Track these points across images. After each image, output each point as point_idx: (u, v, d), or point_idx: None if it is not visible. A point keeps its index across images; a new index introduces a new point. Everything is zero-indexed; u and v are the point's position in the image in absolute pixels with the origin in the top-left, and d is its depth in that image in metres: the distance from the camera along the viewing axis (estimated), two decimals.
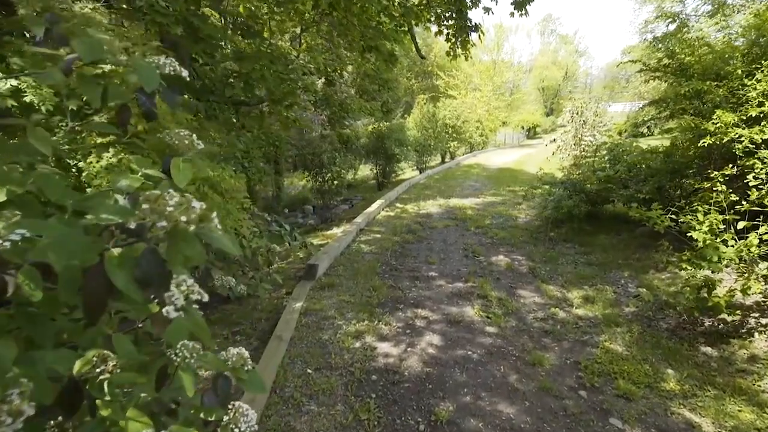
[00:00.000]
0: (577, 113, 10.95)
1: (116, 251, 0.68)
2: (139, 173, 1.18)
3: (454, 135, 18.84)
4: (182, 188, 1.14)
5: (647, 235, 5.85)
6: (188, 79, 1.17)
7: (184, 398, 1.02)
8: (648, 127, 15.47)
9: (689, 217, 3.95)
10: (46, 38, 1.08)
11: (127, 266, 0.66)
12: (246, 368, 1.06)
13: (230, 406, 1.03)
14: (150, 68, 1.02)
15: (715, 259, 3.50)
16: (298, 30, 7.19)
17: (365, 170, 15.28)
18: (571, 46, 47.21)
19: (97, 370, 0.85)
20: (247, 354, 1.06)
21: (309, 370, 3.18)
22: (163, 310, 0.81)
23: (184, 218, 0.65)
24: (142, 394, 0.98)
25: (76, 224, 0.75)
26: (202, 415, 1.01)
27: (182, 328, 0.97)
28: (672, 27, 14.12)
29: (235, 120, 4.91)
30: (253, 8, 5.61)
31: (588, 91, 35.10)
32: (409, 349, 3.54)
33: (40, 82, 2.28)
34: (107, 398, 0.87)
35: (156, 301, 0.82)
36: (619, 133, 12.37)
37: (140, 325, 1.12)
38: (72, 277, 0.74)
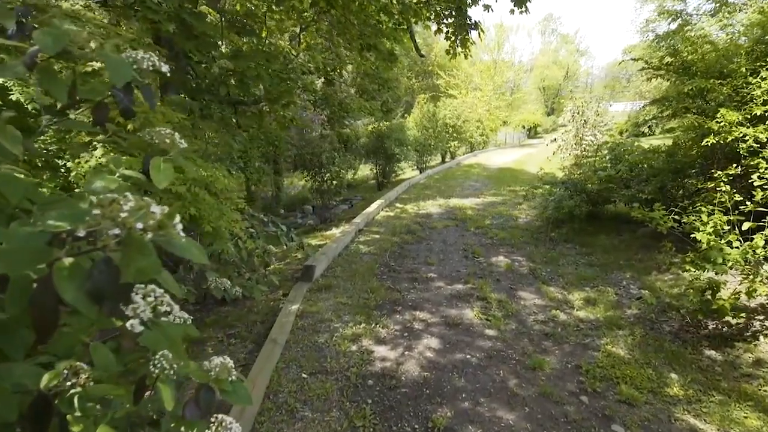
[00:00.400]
0: (578, 113, 10.86)
1: (67, 261, 0.61)
2: (116, 174, 1.12)
3: (455, 134, 18.75)
4: (162, 189, 1.07)
5: (649, 236, 5.78)
6: (169, 75, 1.10)
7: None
8: (649, 127, 15.39)
9: (693, 217, 3.88)
10: (21, 31, 1.02)
11: (78, 278, 0.59)
12: (230, 379, 1.00)
13: (213, 419, 0.97)
14: (120, 62, 0.95)
15: (720, 260, 3.42)
16: (297, 29, 7.11)
17: (365, 170, 15.21)
18: (572, 45, 47.07)
19: (68, 383, 0.79)
20: (231, 364, 1.00)
21: (304, 375, 3.11)
22: (127, 324, 0.75)
23: (140, 225, 0.58)
24: (127, 405, 0.92)
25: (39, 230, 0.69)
26: (183, 429, 0.95)
27: (160, 337, 0.92)
28: (674, 26, 14.03)
29: (234, 120, 4.84)
30: (253, 7, 5.54)
31: (589, 91, 34.97)
32: (406, 352, 3.47)
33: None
34: (77, 414, 0.81)
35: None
36: (620, 133, 12.30)
37: None
38: (22, 288, 0.68)
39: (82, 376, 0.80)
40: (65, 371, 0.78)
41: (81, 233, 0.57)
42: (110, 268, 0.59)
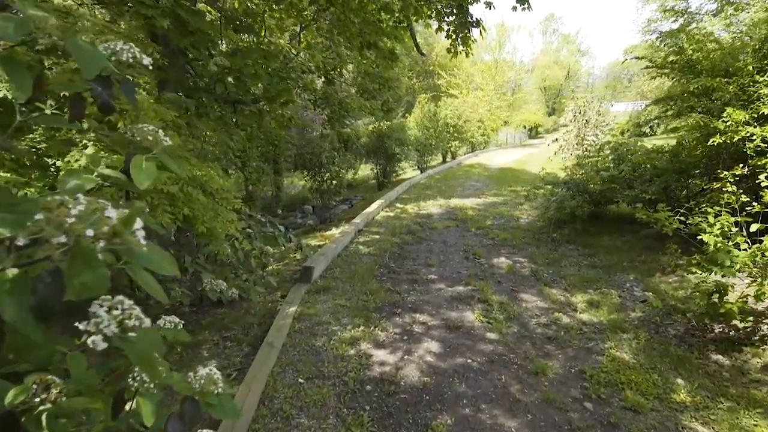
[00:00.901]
0: (580, 112, 10.80)
1: (11, 272, 0.54)
2: (95, 173, 1.05)
3: (456, 134, 18.67)
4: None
5: (653, 237, 5.69)
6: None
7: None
8: (651, 127, 15.30)
9: (699, 218, 3.79)
10: None
11: (22, 292, 0.52)
12: (217, 391, 0.93)
13: None
14: (92, 51, 0.87)
15: (727, 263, 3.34)
16: (297, 28, 7.04)
17: (365, 170, 15.13)
18: (573, 45, 46.91)
19: (37, 399, 0.71)
20: (218, 375, 0.93)
21: (300, 380, 3.03)
22: (88, 340, 0.67)
23: (90, 232, 0.50)
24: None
25: None
26: None
27: (131, 353, 0.84)
28: (676, 25, 13.91)
29: (233, 119, 4.77)
30: (254, 7, 5.47)
31: (590, 91, 34.83)
32: (406, 356, 3.39)
33: None
34: None
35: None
36: (622, 133, 12.22)
37: None
38: None
39: (53, 391, 0.73)
40: (34, 386, 0.71)
41: (20, 241, 0.49)
42: (58, 280, 0.52)
